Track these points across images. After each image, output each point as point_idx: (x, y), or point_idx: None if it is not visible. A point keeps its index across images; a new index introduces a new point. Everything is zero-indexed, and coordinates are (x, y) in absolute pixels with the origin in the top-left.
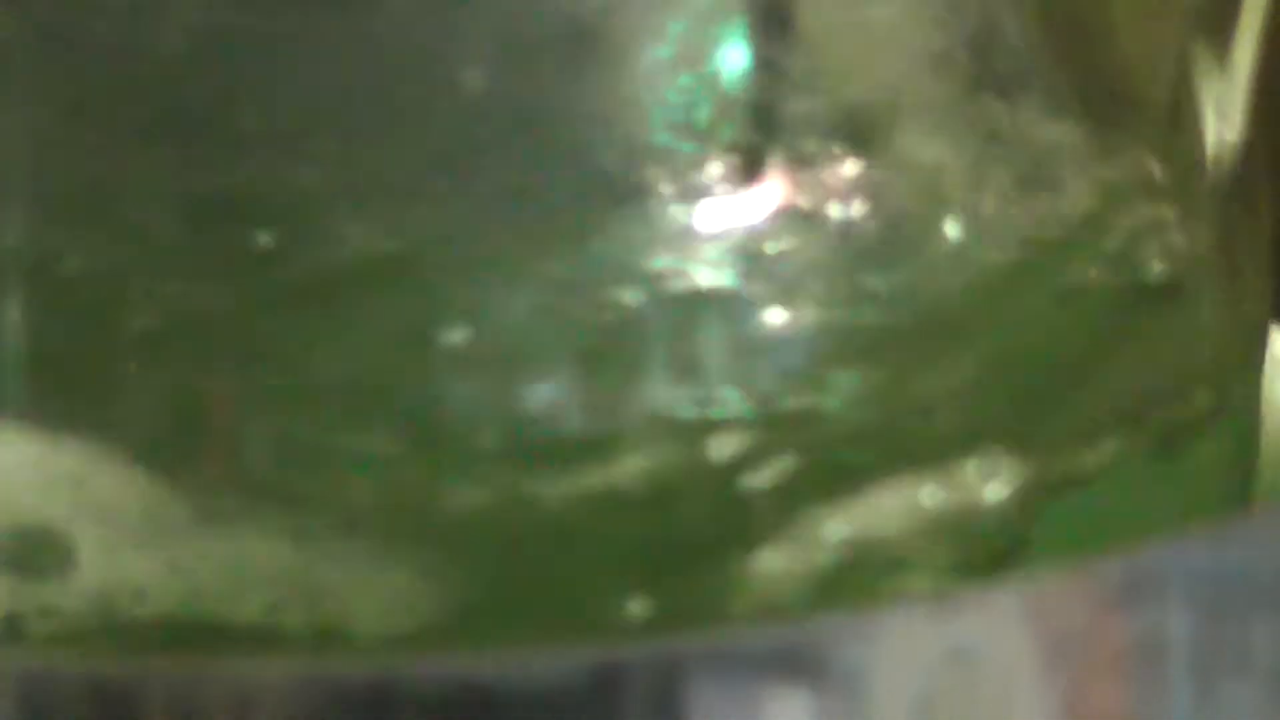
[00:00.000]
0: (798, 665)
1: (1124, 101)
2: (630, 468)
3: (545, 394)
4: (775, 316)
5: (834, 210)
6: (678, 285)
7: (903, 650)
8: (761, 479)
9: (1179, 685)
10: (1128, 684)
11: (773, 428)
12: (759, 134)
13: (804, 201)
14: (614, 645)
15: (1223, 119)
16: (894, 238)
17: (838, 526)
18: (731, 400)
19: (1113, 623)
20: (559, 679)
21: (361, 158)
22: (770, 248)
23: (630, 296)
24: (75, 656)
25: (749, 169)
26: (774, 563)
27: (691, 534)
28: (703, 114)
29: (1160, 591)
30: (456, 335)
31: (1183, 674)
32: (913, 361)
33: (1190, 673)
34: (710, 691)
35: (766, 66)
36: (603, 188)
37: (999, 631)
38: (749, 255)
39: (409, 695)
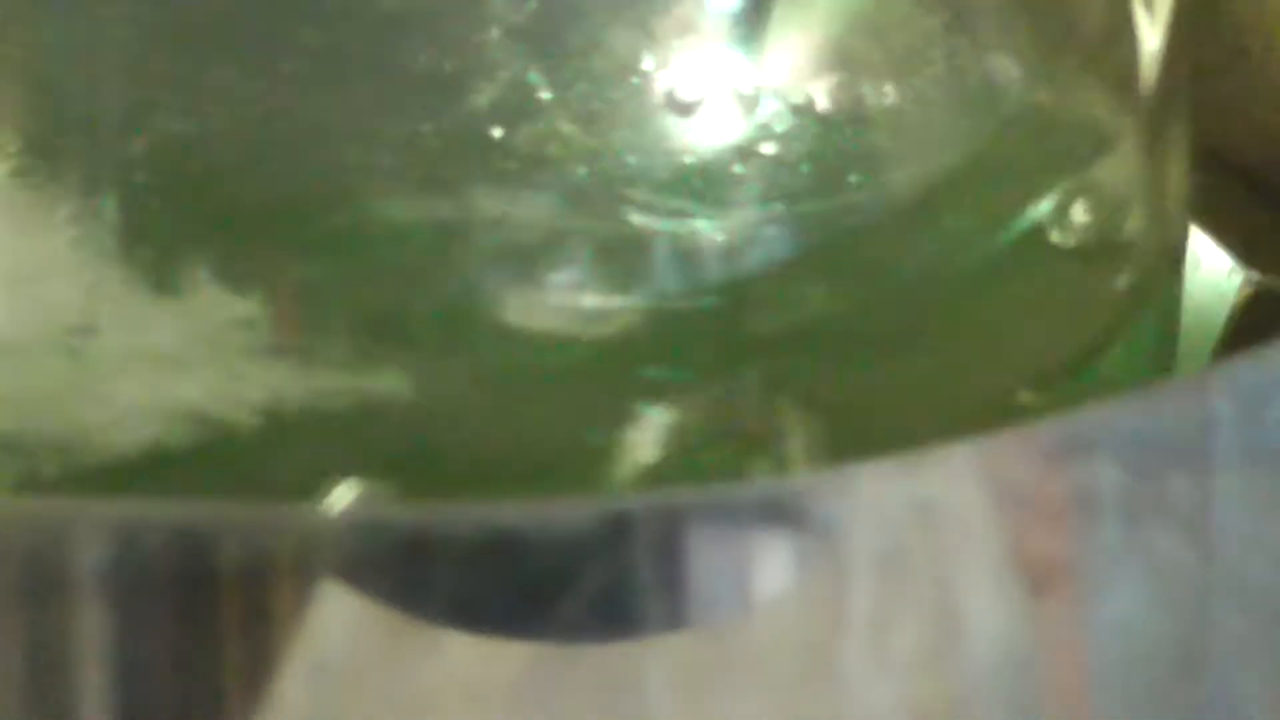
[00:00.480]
0: (782, 516)
1: (1061, 18)
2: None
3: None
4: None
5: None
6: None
7: (873, 502)
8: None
9: (1108, 531)
10: (1065, 529)
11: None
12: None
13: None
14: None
15: (1150, 24)
16: (854, 152)
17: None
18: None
19: (1052, 476)
20: (575, 524)
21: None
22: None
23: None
24: (161, 504)
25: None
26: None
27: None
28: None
29: (1092, 449)
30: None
31: (1111, 521)
32: (875, 270)
33: (1118, 520)
34: (706, 537)
35: None
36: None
37: (956, 484)
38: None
39: (446, 537)
